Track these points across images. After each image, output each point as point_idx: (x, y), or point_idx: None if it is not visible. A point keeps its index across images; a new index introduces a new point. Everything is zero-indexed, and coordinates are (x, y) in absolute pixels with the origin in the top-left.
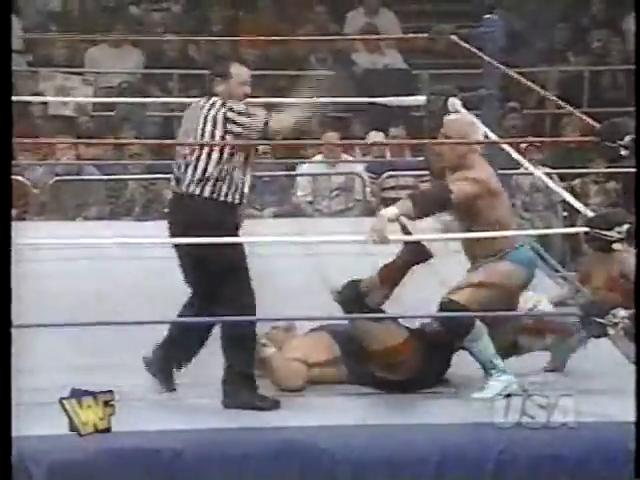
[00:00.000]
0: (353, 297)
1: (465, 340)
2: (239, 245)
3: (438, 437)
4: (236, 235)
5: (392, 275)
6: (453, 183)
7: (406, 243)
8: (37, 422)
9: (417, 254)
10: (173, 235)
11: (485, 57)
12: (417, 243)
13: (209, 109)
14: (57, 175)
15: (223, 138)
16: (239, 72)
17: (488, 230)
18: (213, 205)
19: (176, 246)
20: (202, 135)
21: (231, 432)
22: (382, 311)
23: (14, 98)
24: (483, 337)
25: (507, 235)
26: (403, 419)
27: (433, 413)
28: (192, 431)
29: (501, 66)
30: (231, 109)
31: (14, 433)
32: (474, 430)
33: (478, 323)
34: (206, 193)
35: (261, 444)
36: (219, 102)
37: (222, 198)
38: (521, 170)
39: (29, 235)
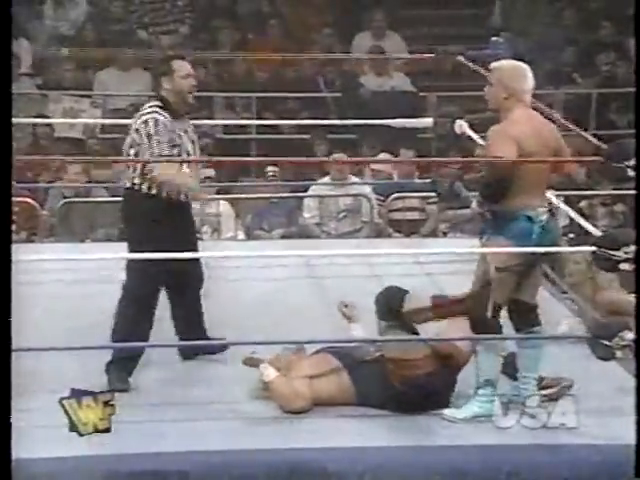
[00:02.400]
0: (392, 303)
1: (483, 344)
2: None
3: (445, 459)
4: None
5: (445, 311)
6: (492, 146)
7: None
8: (40, 444)
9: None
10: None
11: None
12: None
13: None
14: (65, 197)
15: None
16: (180, 66)
17: (510, 186)
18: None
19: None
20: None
21: (238, 454)
22: (414, 329)
23: (24, 120)
24: (495, 353)
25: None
26: (409, 441)
27: (440, 434)
28: (198, 453)
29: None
30: (143, 121)
31: (14, 455)
32: (481, 452)
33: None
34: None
35: (268, 466)
36: (144, 110)
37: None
38: None
39: (37, 257)
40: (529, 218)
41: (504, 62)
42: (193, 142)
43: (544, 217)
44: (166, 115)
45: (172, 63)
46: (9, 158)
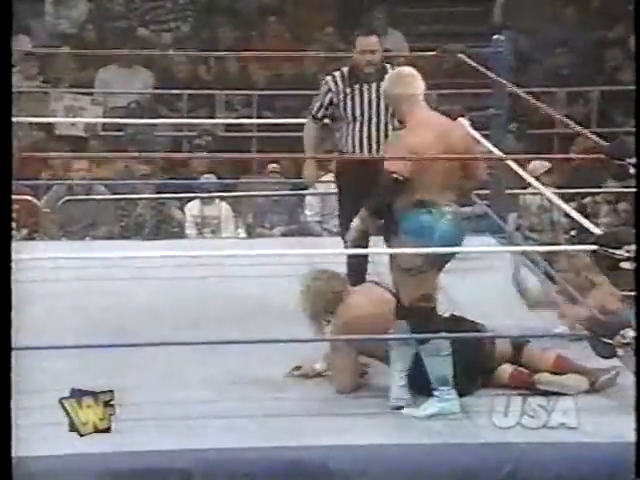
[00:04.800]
0: None
1: (424, 349)
2: None
3: (445, 457)
4: None
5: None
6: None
7: None
8: (40, 442)
9: None
10: None
11: (493, 77)
12: None
13: None
14: (72, 194)
15: None
16: (360, 42)
17: (412, 184)
18: None
19: None
20: None
21: (241, 451)
22: None
23: (25, 119)
24: (443, 354)
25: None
26: (410, 439)
27: (440, 432)
28: (202, 451)
29: (510, 85)
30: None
31: (15, 453)
32: (482, 450)
33: (444, 342)
34: None
35: (269, 464)
36: None
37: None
38: (529, 190)
39: (38, 254)
40: (430, 213)
41: (388, 76)
42: (376, 107)
43: (448, 215)
44: (340, 81)
45: (357, 38)
46: (9, 156)
